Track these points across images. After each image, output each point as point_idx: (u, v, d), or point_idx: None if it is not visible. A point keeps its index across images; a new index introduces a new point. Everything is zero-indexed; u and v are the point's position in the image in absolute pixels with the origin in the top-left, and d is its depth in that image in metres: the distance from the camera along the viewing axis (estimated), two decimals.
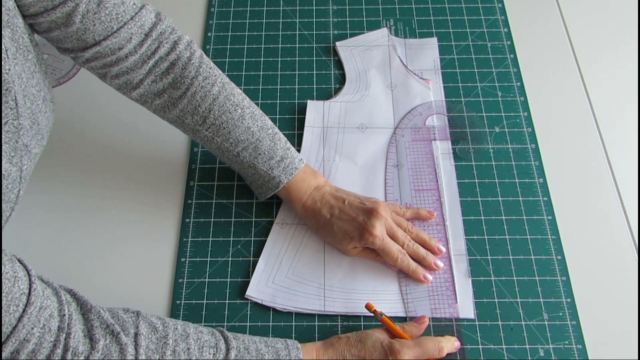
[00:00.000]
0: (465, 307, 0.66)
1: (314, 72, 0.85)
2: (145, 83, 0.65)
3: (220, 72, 0.67)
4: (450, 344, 0.62)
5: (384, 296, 0.66)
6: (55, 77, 0.85)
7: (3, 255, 0.47)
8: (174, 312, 0.66)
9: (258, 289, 0.67)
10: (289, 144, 0.69)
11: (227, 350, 0.55)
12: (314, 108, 0.81)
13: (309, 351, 0.59)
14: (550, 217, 0.71)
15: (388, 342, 0.60)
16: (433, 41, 0.87)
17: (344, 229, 0.67)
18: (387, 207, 0.68)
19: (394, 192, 0.74)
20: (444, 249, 0.69)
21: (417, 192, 0.73)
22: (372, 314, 0.63)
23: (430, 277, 0.67)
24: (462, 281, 0.67)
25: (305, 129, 0.79)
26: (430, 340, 0.61)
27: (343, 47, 0.86)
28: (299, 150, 0.77)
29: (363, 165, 0.76)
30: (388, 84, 0.83)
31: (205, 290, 0.68)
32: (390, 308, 0.65)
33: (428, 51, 0.86)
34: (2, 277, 0.46)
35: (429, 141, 0.77)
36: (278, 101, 0.82)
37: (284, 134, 0.70)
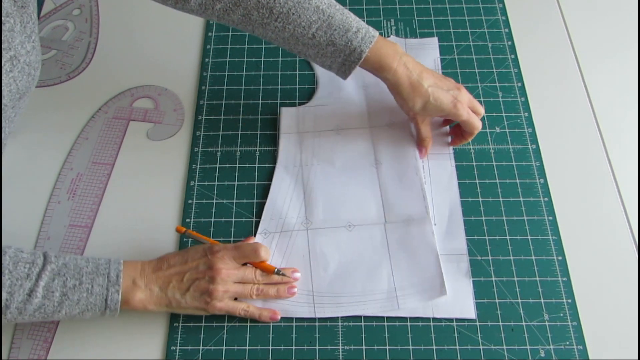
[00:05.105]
0: (466, 308, 0.65)
1: (315, 72, 0.85)
2: None
3: None
4: (265, 251, 0.64)
5: (373, 296, 0.66)
6: (64, 71, 0.85)
7: None
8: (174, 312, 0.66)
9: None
10: (357, 17, 0.69)
11: (44, 265, 0.58)
12: (287, 115, 0.80)
13: (132, 265, 0.62)
14: (551, 218, 0.71)
15: (209, 245, 0.64)
16: (434, 41, 0.87)
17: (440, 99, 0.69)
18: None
19: (374, 191, 0.73)
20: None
21: (399, 190, 0.73)
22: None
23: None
24: (463, 281, 0.67)
25: (282, 136, 0.78)
26: (247, 244, 0.65)
27: None
28: (275, 158, 0.76)
29: (342, 167, 0.76)
30: (361, 84, 0.83)
31: None
32: (382, 308, 0.65)
33: (429, 51, 0.86)
34: None
35: (406, 137, 0.77)
36: (278, 101, 0.82)
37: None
